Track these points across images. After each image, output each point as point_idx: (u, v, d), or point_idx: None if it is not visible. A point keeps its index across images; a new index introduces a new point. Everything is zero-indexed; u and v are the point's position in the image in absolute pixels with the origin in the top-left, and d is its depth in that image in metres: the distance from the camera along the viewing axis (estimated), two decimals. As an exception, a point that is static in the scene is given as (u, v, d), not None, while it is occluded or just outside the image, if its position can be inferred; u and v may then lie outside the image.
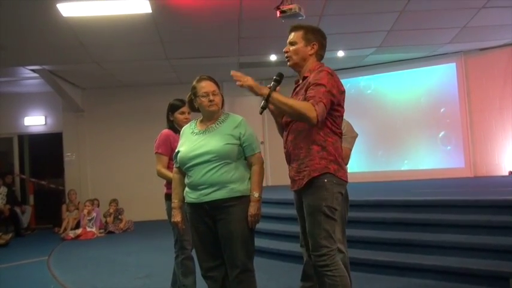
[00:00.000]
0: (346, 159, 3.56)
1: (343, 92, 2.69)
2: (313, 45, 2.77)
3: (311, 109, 2.48)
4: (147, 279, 5.05)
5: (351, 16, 6.85)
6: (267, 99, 2.58)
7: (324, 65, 2.77)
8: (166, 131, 3.75)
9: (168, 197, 3.61)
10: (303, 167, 2.64)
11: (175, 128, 3.74)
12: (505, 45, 8.81)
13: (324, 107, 2.52)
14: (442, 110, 9.55)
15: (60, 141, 10.63)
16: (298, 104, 2.55)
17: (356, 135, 3.68)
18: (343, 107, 2.72)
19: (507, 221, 4.48)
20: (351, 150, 3.60)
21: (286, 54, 2.83)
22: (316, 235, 2.60)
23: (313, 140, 2.62)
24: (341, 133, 2.75)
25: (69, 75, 9.42)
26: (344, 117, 3.68)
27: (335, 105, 2.63)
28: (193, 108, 3.03)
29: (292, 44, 2.80)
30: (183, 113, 3.72)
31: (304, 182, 2.62)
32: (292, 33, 2.81)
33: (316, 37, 2.78)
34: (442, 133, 9.55)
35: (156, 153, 3.67)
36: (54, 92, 9.76)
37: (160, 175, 3.63)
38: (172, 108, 3.76)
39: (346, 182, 2.71)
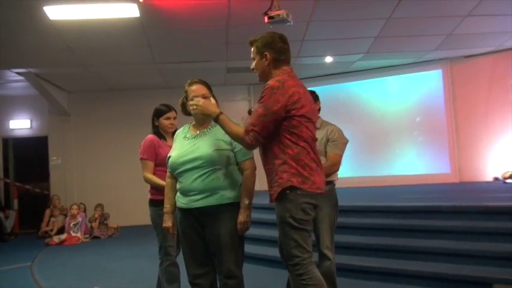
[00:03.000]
0: (336, 165, 3.59)
1: (295, 102, 2.59)
2: (265, 55, 2.72)
3: (243, 138, 2.58)
4: (132, 285, 5.00)
5: (338, 22, 6.89)
6: (216, 119, 2.66)
7: (286, 73, 2.71)
8: (150, 136, 3.71)
9: (152, 203, 3.59)
10: (272, 183, 2.67)
11: (160, 133, 3.71)
12: (489, 52, 8.94)
13: (257, 134, 2.55)
14: (428, 116, 9.65)
15: (45, 145, 10.51)
16: (234, 131, 2.62)
17: (346, 141, 3.68)
18: (301, 115, 2.62)
19: (491, 227, 4.53)
20: (341, 156, 3.62)
21: (253, 71, 2.84)
22: (286, 245, 2.63)
23: (275, 155, 2.63)
24: (308, 141, 2.67)
25: (56, 78, 9.33)
26: (333, 122, 3.74)
27: (284, 118, 2.58)
28: (186, 112, 2.98)
29: (253, 59, 2.81)
30: (168, 118, 3.69)
31: (274, 197, 2.66)
32: (251, 49, 2.81)
33: (268, 45, 2.72)
34: (428, 139, 9.64)
35: (141, 159, 3.63)
36: (40, 95, 9.67)
37: (147, 181, 3.59)
38: (158, 114, 3.73)
39: (315, 192, 2.65)
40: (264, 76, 2.77)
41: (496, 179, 8.73)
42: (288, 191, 2.59)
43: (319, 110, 3.76)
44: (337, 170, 3.64)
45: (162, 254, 3.58)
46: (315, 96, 3.68)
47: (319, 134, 3.60)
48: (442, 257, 4.47)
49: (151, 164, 3.59)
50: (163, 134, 3.72)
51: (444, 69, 9.51)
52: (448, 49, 8.58)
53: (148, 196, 3.64)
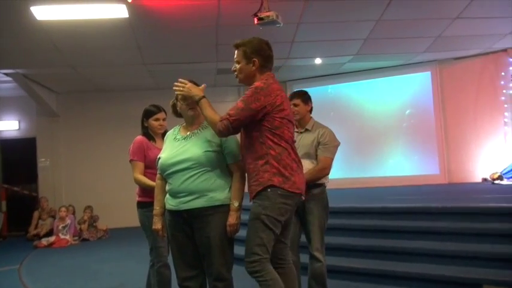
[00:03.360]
0: (327, 169, 3.57)
1: (278, 105, 2.67)
2: (253, 61, 2.77)
3: (216, 124, 2.65)
4: (121, 287, 4.96)
5: (328, 24, 6.91)
6: (198, 101, 2.74)
7: (270, 77, 2.77)
8: (139, 137, 3.67)
9: (140, 205, 3.57)
10: (251, 182, 2.73)
11: (149, 134, 3.68)
12: (477, 54, 9.03)
13: (230, 123, 2.61)
14: (417, 117, 9.71)
15: (34, 146, 10.41)
16: (210, 116, 2.69)
17: (338, 144, 3.66)
18: (283, 117, 2.70)
19: (480, 227, 4.55)
20: (332, 159, 3.58)
21: (234, 73, 2.87)
22: (251, 241, 2.66)
23: (258, 155, 2.69)
24: (289, 142, 2.73)
25: (44, 79, 9.25)
26: (324, 123, 3.74)
27: (264, 117, 2.65)
28: (177, 114, 2.98)
29: (236, 62, 2.83)
30: (157, 119, 3.66)
31: (252, 196, 2.72)
32: (236, 52, 2.84)
33: (257, 51, 2.77)
34: (417, 140, 9.69)
35: (131, 160, 3.60)
36: (28, 96, 9.57)
37: (138, 182, 3.55)
38: (147, 114, 3.70)
39: (295, 193, 2.70)
40: (247, 80, 2.81)
41: (485, 180, 8.80)
42: (268, 189, 2.64)
43: (310, 110, 3.75)
44: (328, 173, 3.62)
45: (154, 256, 3.55)
46: (307, 96, 3.72)
47: (310, 137, 3.61)
48: (430, 258, 4.48)
49: (141, 164, 3.56)
50: (153, 135, 3.69)
51: (433, 71, 9.57)
52: (437, 51, 8.65)
53: (136, 198, 3.61)
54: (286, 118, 2.72)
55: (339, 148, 3.66)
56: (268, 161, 2.66)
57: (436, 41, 7.96)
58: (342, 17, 6.65)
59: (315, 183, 3.51)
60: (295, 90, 3.98)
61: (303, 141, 3.59)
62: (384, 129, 9.91)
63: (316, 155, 3.57)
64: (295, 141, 2.87)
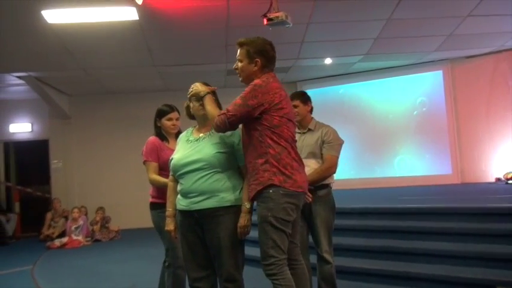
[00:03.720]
0: (333, 167, 3.54)
1: (277, 103, 2.67)
2: (256, 62, 2.77)
3: (213, 119, 2.71)
4: (133, 289, 4.99)
5: (338, 24, 6.88)
6: (202, 97, 2.82)
7: (270, 76, 2.77)
8: (152, 138, 3.63)
9: (154, 206, 3.53)
10: (251, 181, 2.71)
11: (162, 134, 3.63)
12: (490, 53, 8.92)
13: (227, 118, 2.64)
14: (429, 116, 9.63)
15: (46, 148, 10.50)
16: (211, 111, 2.76)
17: (342, 142, 3.64)
18: (282, 116, 2.70)
19: (493, 228, 4.50)
20: (337, 157, 3.57)
21: (236, 71, 2.87)
22: (264, 244, 2.66)
23: (258, 154, 2.69)
24: (289, 141, 2.72)
25: (56, 82, 9.33)
26: (333, 124, 3.71)
27: (263, 116, 2.65)
28: (191, 116, 2.99)
29: (239, 60, 2.84)
30: (170, 119, 3.61)
31: (252, 195, 2.70)
32: (239, 50, 2.84)
33: (260, 52, 2.77)
34: (429, 140, 9.61)
35: (144, 161, 3.56)
36: (40, 99, 9.66)
37: (153, 182, 3.50)
38: (160, 114, 3.65)
39: (298, 192, 2.70)
40: (248, 79, 2.82)
41: (498, 179, 8.70)
42: (270, 190, 2.63)
43: (311, 110, 3.72)
44: (334, 172, 3.59)
45: (171, 257, 3.51)
46: (306, 97, 3.69)
47: (314, 136, 3.59)
48: (443, 259, 4.44)
49: (155, 165, 3.51)
50: (166, 136, 3.64)
51: (445, 70, 9.49)
52: (448, 50, 8.56)
53: (149, 199, 3.58)
54: (285, 117, 2.71)
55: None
56: (268, 160, 2.65)
57: (447, 40, 7.88)
58: (352, 17, 6.61)
59: (321, 184, 3.50)
60: (300, 91, 3.94)
61: (306, 141, 3.58)
62: (396, 128, 9.84)
63: (322, 154, 3.54)
64: (296, 141, 2.85)
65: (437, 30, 7.47)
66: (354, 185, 9.40)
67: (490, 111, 8.99)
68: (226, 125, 2.66)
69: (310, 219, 3.53)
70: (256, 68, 2.78)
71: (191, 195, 2.76)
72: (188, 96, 2.93)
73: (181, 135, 3.06)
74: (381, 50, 8.26)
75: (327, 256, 3.52)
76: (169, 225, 2.97)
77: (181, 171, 2.81)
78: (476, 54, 9.08)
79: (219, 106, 2.90)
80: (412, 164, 9.70)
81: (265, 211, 2.64)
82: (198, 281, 2.86)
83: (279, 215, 2.63)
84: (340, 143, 3.61)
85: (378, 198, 7.42)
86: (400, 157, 9.85)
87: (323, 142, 3.55)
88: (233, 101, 2.69)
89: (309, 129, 3.65)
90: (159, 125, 3.66)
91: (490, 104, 9.02)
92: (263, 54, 2.77)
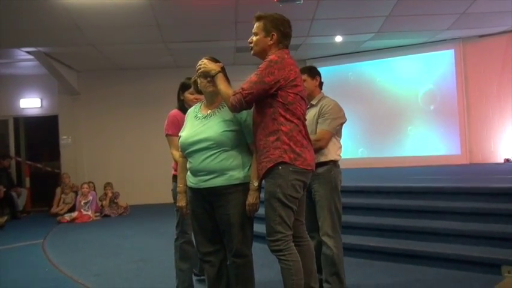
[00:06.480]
0: (321, 141, 3.31)
1: (292, 80, 2.66)
2: (272, 35, 2.75)
3: (229, 98, 2.65)
4: (142, 263, 5.06)
5: (349, 1, 6.79)
6: (214, 75, 2.74)
7: (285, 53, 2.74)
8: (174, 111, 3.59)
9: (175, 178, 3.44)
10: (261, 159, 2.71)
11: (184, 108, 3.51)
12: (503, 32, 8.79)
13: (243, 97, 2.60)
14: (439, 96, 9.55)
15: (56, 124, 10.57)
16: (224, 90, 2.69)
17: (339, 118, 3.42)
18: (296, 94, 2.69)
19: (500, 208, 4.50)
20: (329, 132, 3.35)
21: (250, 45, 2.84)
22: (271, 220, 2.68)
23: (269, 131, 2.68)
24: (300, 118, 2.70)
25: (65, 57, 9.33)
26: (342, 102, 3.58)
27: (278, 92, 2.63)
28: (198, 90, 2.98)
29: (255, 34, 2.81)
30: (193, 93, 3.52)
31: (263, 173, 2.70)
32: (255, 24, 2.81)
33: (277, 27, 2.75)
34: (439, 120, 9.55)
35: (166, 135, 3.51)
36: (50, 75, 9.68)
37: (173, 158, 3.44)
38: (183, 87, 3.59)
39: (307, 170, 2.70)
40: (262, 53, 2.80)
41: (507, 160, 8.67)
42: (280, 167, 2.64)
43: (320, 85, 3.60)
44: (323, 146, 3.33)
45: (179, 231, 3.54)
46: (314, 71, 3.59)
47: (313, 111, 3.44)
48: (450, 237, 4.47)
49: (177, 139, 3.39)
50: (188, 108, 3.60)
51: (457, 49, 9.37)
52: (461, 28, 8.44)
53: (172, 172, 3.54)
54: (299, 94, 2.71)
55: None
56: (280, 138, 2.65)
57: (460, 18, 7.76)
58: (364, -6, 6.53)
59: (320, 162, 3.29)
60: (308, 65, 3.77)
61: (307, 117, 3.32)
62: (405, 108, 9.78)
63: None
64: (306, 119, 2.82)
65: (450, 8, 7.35)
66: (362, 164, 9.39)
67: (502, 92, 8.90)
68: (243, 104, 2.62)
69: (310, 198, 3.37)
70: (271, 41, 2.75)
71: (200, 173, 2.77)
72: (197, 73, 2.87)
73: (189, 111, 3.04)
74: (393, 28, 8.15)
75: (327, 240, 3.32)
76: (181, 201, 2.99)
77: (189, 150, 2.81)
78: (488, 34, 8.95)
79: (229, 83, 2.86)
80: (421, 143, 9.66)
81: (274, 187, 2.65)
82: (208, 255, 2.90)
83: (287, 192, 2.64)
84: (336, 117, 3.40)
85: (386, 178, 7.43)
86: (409, 137, 9.82)
87: (319, 116, 3.40)
88: (247, 79, 2.66)
89: (311, 104, 3.48)
90: (182, 98, 3.62)
91: (501, 83, 8.92)
92: (279, 29, 2.75)
